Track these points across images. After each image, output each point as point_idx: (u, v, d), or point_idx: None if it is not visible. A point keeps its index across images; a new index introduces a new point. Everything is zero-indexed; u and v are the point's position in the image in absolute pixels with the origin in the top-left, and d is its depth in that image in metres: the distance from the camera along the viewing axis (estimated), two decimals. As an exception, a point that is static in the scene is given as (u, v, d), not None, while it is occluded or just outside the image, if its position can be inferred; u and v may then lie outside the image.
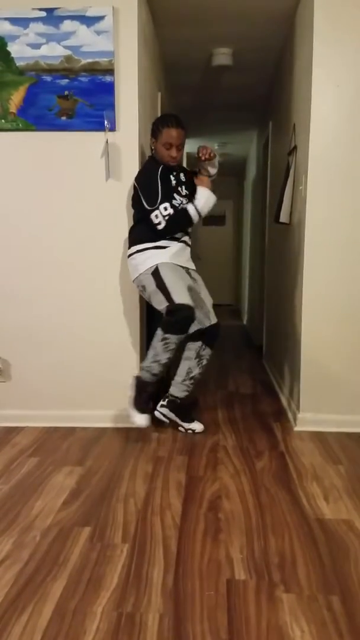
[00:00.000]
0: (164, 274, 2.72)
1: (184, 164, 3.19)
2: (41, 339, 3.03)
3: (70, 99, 2.88)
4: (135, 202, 2.80)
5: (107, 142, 2.88)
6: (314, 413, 2.98)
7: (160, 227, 2.71)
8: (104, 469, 2.47)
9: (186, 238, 2.90)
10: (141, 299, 3.06)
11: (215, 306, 3.04)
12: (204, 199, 2.77)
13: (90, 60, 2.84)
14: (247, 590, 1.60)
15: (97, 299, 3.00)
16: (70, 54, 2.84)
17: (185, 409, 2.99)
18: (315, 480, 2.36)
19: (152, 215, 2.70)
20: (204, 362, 2.95)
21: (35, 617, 1.48)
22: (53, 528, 1.95)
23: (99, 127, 2.88)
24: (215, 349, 2.99)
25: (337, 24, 2.76)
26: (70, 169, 2.93)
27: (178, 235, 2.83)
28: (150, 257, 2.76)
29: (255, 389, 3.97)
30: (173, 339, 2.69)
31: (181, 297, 2.68)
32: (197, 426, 2.96)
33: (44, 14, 2.82)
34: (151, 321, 3.30)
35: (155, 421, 3.09)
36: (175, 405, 2.94)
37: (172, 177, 2.83)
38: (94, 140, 2.89)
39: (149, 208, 2.71)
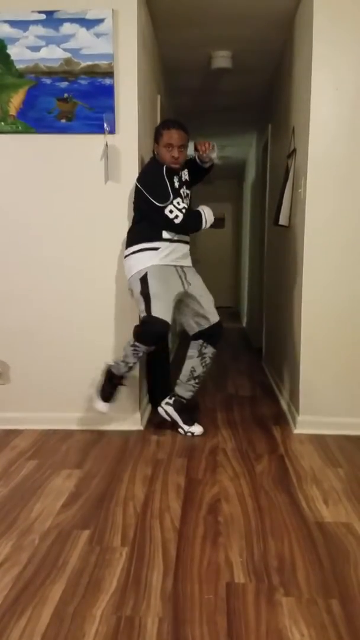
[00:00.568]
0: (151, 282, 2.72)
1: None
2: (40, 341, 3.03)
3: (69, 101, 2.88)
4: (139, 202, 2.79)
5: (106, 144, 2.88)
6: (314, 416, 2.98)
7: (177, 220, 2.72)
8: (103, 472, 2.46)
9: (184, 236, 2.90)
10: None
11: (215, 308, 3.02)
12: (208, 211, 2.83)
13: (89, 62, 2.84)
14: (247, 594, 1.60)
15: (96, 300, 2.99)
16: (69, 57, 2.85)
17: (188, 411, 3.00)
18: (314, 483, 2.36)
19: (167, 211, 2.71)
20: (207, 360, 2.94)
21: (34, 620, 1.48)
22: (52, 531, 1.95)
23: (99, 130, 2.88)
24: (218, 348, 2.98)
25: (337, 27, 2.76)
26: (69, 172, 2.93)
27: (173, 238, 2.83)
28: (141, 260, 2.76)
29: (255, 392, 3.97)
30: (142, 347, 2.74)
31: (159, 310, 2.69)
32: (197, 429, 2.96)
33: (43, 16, 2.82)
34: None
35: (154, 422, 3.10)
36: (181, 406, 2.96)
37: (175, 179, 2.82)
38: (93, 142, 2.89)
39: (161, 205, 2.71)
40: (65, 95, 2.87)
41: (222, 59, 3.92)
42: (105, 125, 2.87)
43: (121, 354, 2.81)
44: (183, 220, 2.73)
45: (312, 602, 1.56)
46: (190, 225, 2.81)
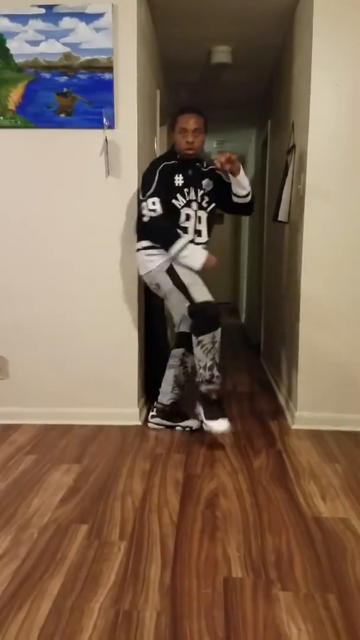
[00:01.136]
0: (181, 272, 2.69)
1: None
2: (39, 336, 3.03)
3: (69, 96, 2.88)
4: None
5: (106, 139, 2.87)
6: (311, 411, 2.99)
7: (144, 219, 2.70)
8: (101, 467, 2.47)
9: (201, 239, 2.83)
10: (140, 296, 3.06)
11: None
12: (188, 252, 2.67)
13: (89, 57, 2.84)
14: (244, 588, 1.61)
15: (95, 295, 2.99)
16: (69, 51, 2.84)
17: (173, 410, 2.98)
18: (312, 478, 2.37)
19: (141, 206, 2.71)
20: (189, 369, 2.93)
21: (32, 614, 1.48)
22: (50, 525, 1.95)
23: (98, 125, 2.87)
24: (214, 329, 2.73)
25: (337, 23, 2.75)
26: (69, 166, 2.92)
27: (191, 236, 2.77)
28: (161, 254, 2.72)
29: (253, 387, 3.97)
30: (207, 338, 2.65)
31: (201, 294, 2.66)
32: (192, 423, 2.94)
33: (43, 10, 2.81)
34: (149, 318, 3.31)
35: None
36: (165, 413, 2.97)
37: (178, 176, 2.75)
38: (92, 137, 2.88)
39: (140, 197, 2.72)
40: (65, 89, 2.87)
41: (221, 54, 3.91)
42: (104, 120, 2.86)
43: (198, 369, 2.71)
44: (147, 224, 2.69)
45: (309, 597, 1.57)
46: (152, 231, 2.72)
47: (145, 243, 2.76)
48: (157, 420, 2.97)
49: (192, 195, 2.78)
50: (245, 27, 3.54)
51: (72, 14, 2.81)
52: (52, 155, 2.92)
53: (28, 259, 2.98)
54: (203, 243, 2.83)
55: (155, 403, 3.01)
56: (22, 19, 2.82)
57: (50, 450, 2.67)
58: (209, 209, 2.85)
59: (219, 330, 2.72)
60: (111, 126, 2.87)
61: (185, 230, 2.77)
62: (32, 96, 2.87)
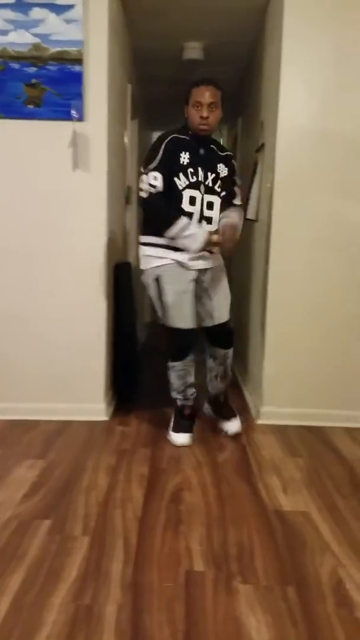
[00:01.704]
0: (165, 288, 2.54)
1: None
2: (3, 331, 2.99)
3: (38, 87, 2.84)
4: None
5: (74, 131, 2.84)
6: (276, 407, 3.03)
7: (142, 194, 2.50)
8: (66, 462, 2.46)
9: (211, 227, 2.59)
10: (109, 289, 3.05)
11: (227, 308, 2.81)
12: (189, 233, 2.46)
13: (59, 48, 2.80)
14: (205, 582, 1.63)
15: (62, 289, 2.96)
16: (39, 42, 2.80)
17: (220, 406, 2.91)
18: (274, 472, 2.41)
19: (140, 179, 2.50)
20: (221, 360, 2.78)
21: (-8, 610, 1.47)
22: (12, 521, 1.94)
23: (67, 117, 2.84)
24: (230, 347, 2.80)
25: (307, 22, 2.78)
26: (36, 158, 2.88)
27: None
28: (155, 257, 2.57)
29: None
30: (178, 365, 2.66)
31: (179, 319, 2.55)
32: (233, 427, 2.85)
33: (13, 0, 2.76)
34: (118, 313, 3.30)
35: (120, 413, 3.10)
36: (210, 400, 2.96)
37: (185, 153, 2.51)
38: (61, 129, 2.85)
39: (142, 170, 2.50)
40: (33, 80, 2.83)
41: (193, 50, 3.91)
42: (73, 112, 2.83)
43: (172, 390, 2.75)
44: (146, 200, 2.48)
45: (268, 589, 1.60)
46: (150, 211, 2.53)
47: (145, 239, 2.61)
48: (207, 409, 2.98)
49: (200, 177, 2.53)
50: (217, 23, 3.54)
51: (42, 5, 2.77)
52: (20, 147, 2.88)
53: (-6, 252, 2.94)
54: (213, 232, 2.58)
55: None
56: (-10, 7, 2.76)
57: (15, 445, 2.64)
58: (222, 195, 2.61)
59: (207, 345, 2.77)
60: (80, 118, 2.85)
61: (189, 215, 2.51)
62: (0, 86, 2.82)
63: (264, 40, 3.40)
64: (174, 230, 2.45)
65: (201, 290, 2.66)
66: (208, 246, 2.53)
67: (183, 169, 2.49)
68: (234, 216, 2.64)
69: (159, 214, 2.51)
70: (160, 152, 2.48)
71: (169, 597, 1.55)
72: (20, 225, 2.93)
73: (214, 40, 3.82)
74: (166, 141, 2.50)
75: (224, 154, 2.69)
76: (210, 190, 2.57)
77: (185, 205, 2.51)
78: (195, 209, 2.53)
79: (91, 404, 3.02)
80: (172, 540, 1.84)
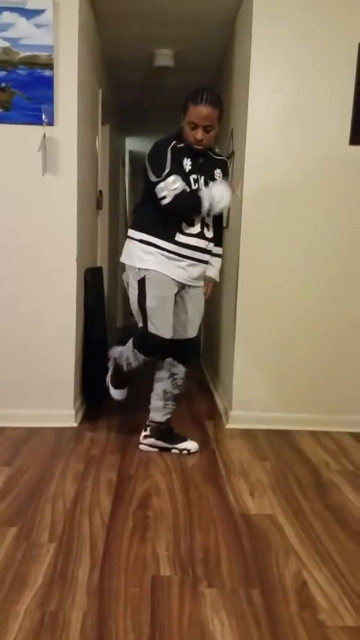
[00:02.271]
0: (149, 293, 2.47)
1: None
2: (-28, 336, 2.96)
3: (7, 91, 2.82)
4: (145, 178, 2.50)
5: (44, 136, 2.84)
6: (245, 411, 3.06)
7: (164, 201, 2.36)
8: (33, 469, 2.44)
9: (200, 255, 2.54)
10: (78, 293, 3.04)
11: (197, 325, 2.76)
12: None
13: (29, 53, 2.79)
14: (171, 586, 1.64)
15: (30, 295, 2.95)
16: (8, 46, 2.78)
17: (169, 430, 2.76)
18: (242, 476, 2.43)
19: (158, 188, 2.37)
20: (179, 381, 2.70)
21: None
22: (-22, 529, 1.92)
23: (37, 121, 2.83)
24: (189, 366, 2.75)
25: (275, 30, 2.82)
26: (6, 162, 2.87)
27: (188, 253, 2.49)
28: (142, 256, 2.48)
29: (191, 388, 4.01)
30: (140, 356, 2.59)
31: (158, 327, 2.48)
32: (190, 445, 2.72)
33: (-19, 2, 2.74)
34: (88, 317, 3.29)
35: (89, 419, 3.08)
36: (160, 432, 2.72)
37: (187, 161, 2.46)
38: (31, 133, 2.84)
39: (155, 179, 2.38)
40: (3, 84, 2.81)
41: (164, 57, 3.94)
42: (43, 116, 2.83)
43: (121, 354, 2.65)
44: (170, 203, 2.36)
45: (233, 592, 1.62)
46: (178, 209, 2.41)
47: (142, 235, 2.51)
48: (151, 441, 2.71)
49: (201, 184, 2.48)
50: (187, 30, 3.58)
51: (12, 9, 2.76)
52: (-11, 151, 2.86)
53: None
54: (209, 239, 2.57)
55: (147, 422, 2.74)
56: None
57: (-19, 451, 2.61)
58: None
59: (170, 361, 2.65)
60: (50, 123, 2.84)
61: (191, 222, 2.47)
62: (-32, 89, 2.80)
63: (234, 48, 3.45)
64: (205, 205, 2.38)
65: (181, 303, 2.61)
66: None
67: (186, 176, 2.45)
68: (214, 270, 2.73)
69: (187, 206, 2.43)
70: (168, 156, 2.40)
71: (135, 602, 1.56)
72: (-12, 229, 2.90)
73: (184, 47, 3.85)
74: (170, 147, 2.43)
75: (219, 158, 2.64)
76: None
77: None
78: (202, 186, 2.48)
79: (60, 410, 3.00)
80: (139, 546, 1.85)
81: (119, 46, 3.86)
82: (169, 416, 2.74)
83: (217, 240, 2.69)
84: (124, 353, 2.65)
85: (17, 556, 1.76)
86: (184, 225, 2.47)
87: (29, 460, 2.53)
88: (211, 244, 2.60)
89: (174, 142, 2.45)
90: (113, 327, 5.24)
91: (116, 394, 2.82)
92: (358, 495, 2.28)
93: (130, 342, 2.61)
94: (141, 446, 2.73)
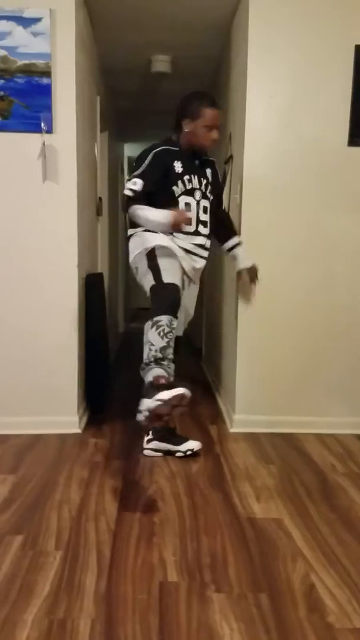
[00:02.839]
0: (160, 255, 2.47)
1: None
2: (-26, 344, 2.96)
3: (5, 99, 2.83)
4: None
5: (43, 144, 2.85)
6: (249, 415, 3.05)
7: (126, 192, 2.50)
8: (38, 477, 2.43)
9: (201, 251, 2.62)
10: (80, 300, 3.04)
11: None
12: (144, 218, 2.47)
13: (26, 61, 2.81)
14: (179, 592, 1.63)
15: (32, 300, 2.95)
16: (5, 55, 2.80)
17: (171, 431, 2.73)
18: (247, 480, 2.42)
19: (131, 181, 2.50)
20: (166, 329, 2.32)
21: None
22: (-16, 537, 1.91)
23: (36, 129, 2.85)
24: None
25: (272, 35, 2.84)
26: (5, 170, 2.88)
27: (188, 246, 2.56)
28: (148, 238, 2.51)
29: (194, 392, 4.00)
30: (165, 320, 2.30)
31: (170, 278, 2.43)
32: (194, 444, 2.70)
33: (-22, 12, 2.76)
34: (89, 323, 3.29)
35: (92, 425, 3.07)
36: (162, 432, 2.66)
37: (177, 163, 2.55)
38: (30, 141, 2.85)
39: (127, 178, 2.57)
40: (1, 93, 2.82)
41: (161, 63, 3.96)
42: (42, 124, 2.84)
43: (149, 351, 2.31)
44: (127, 201, 2.48)
45: (242, 597, 1.61)
46: (128, 212, 2.53)
47: (133, 230, 2.60)
48: (154, 444, 2.67)
49: (195, 184, 2.59)
50: (184, 36, 3.60)
51: (8, 17, 2.78)
52: (-12, 159, 2.87)
53: None
54: (206, 236, 2.65)
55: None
56: None
57: (-15, 460, 2.61)
58: (211, 200, 2.67)
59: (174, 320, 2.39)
60: (49, 130, 2.85)
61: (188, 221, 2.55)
62: (-34, 98, 2.81)
63: (230, 53, 3.47)
64: (153, 220, 2.46)
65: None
66: (183, 221, 2.47)
67: (179, 176, 2.55)
68: (245, 256, 2.86)
69: (136, 212, 2.50)
70: (147, 160, 2.51)
71: (143, 608, 1.55)
72: (-11, 237, 2.90)
73: (181, 53, 3.87)
74: (155, 152, 2.52)
75: (207, 158, 2.73)
76: (204, 196, 2.64)
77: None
78: (191, 214, 2.57)
79: (63, 416, 3.00)
80: (145, 552, 1.84)
81: (116, 53, 3.88)
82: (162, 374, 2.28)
83: (230, 230, 2.86)
84: (147, 343, 2.36)
85: (24, 564, 1.75)
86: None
87: (34, 468, 2.52)
88: (208, 242, 2.67)
89: (163, 147, 2.55)
90: (114, 333, 5.24)
91: (181, 390, 2.18)
92: (364, 497, 2.27)
93: (147, 324, 2.41)
94: (145, 451, 2.70)
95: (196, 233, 2.60)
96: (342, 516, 2.10)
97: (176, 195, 2.55)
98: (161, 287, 2.42)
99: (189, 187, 2.57)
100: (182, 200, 2.57)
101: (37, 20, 2.78)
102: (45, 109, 2.85)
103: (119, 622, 1.49)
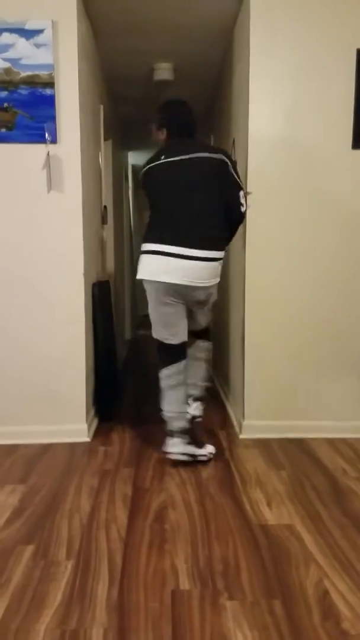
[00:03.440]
0: (148, 295, 2.59)
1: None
2: (-17, 354, 2.97)
3: (9, 111, 2.85)
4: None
5: (48, 154, 2.86)
6: (258, 420, 3.04)
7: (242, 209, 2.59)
8: (48, 486, 2.43)
9: (199, 252, 2.46)
10: (87, 308, 3.05)
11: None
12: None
13: (30, 72, 2.83)
14: (192, 600, 1.62)
15: (39, 309, 2.96)
16: (9, 66, 2.82)
17: (192, 432, 2.74)
18: (258, 486, 2.41)
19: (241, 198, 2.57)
20: (204, 349, 2.85)
21: (-25, 640, 1.45)
22: (-5, 548, 1.91)
23: (40, 139, 2.86)
24: (207, 340, 2.88)
25: (273, 40, 2.84)
26: (11, 181, 2.89)
27: (181, 250, 2.46)
28: (140, 264, 2.57)
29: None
30: (170, 370, 2.62)
31: (158, 332, 2.61)
32: (212, 448, 2.73)
33: (-19, 25, 2.79)
34: (97, 331, 3.29)
35: (102, 433, 3.07)
36: (186, 432, 2.69)
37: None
38: (35, 152, 2.87)
39: (244, 192, 2.62)
40: (5, 104, 2.84)
41: (163, 71, 3.98)
42: (46, 134, 2.86)
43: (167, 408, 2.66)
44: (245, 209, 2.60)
45: (255, 604, 1.59)
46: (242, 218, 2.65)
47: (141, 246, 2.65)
48: (180, 448, 2.64)
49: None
50: (186, 44, 3.62)
51: (11, 30, 2.80)
52: (-7, 170, 2.89)
53: (-30, 275, 2.93)
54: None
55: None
56: None
57: (-4, 470, 2.61)
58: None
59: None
60: (54, 141, 2.87)
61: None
62: (-29, 110, 2.83)
63: (232, 58, 3.48)
64: None
65: (193, 305, 2.62)
66: None
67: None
68: None
69: None
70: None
71: (156, 617, 1.54)
72: (-5, 247, 2.92)
73: (183, 60, 3.89)
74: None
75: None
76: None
77: None
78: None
79: (72, 425, 3.00)
80: (157, 560, 1.83)
81: (119, 62, 3.91)
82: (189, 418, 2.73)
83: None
84: (165, 400, 2.66)
85: (35, 574, 1.75)
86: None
87: (43, 477, 2.52)
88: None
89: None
90: (121, 340, 5.25)
91: (207, 450, 2.66)
92: (376, 501, 2.25)
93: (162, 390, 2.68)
94: (174, 457, 2.64)
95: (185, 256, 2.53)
96: (355, 521, 2.08)
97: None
98: (159, 345, 2.64)
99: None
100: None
101: (39, 31, 2.80)
102: (49, 119, 2.86)
103: (132, 631, 1.48)
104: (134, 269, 2.77)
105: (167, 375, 2.63)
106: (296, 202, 2.94)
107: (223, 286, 3.98)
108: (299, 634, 1.46)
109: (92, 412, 3.23)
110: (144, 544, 1.93)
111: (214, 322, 2.83)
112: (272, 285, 2.99)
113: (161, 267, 2.47)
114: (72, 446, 2.92)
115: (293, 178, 2.93)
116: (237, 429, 3.17)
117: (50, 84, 2.84)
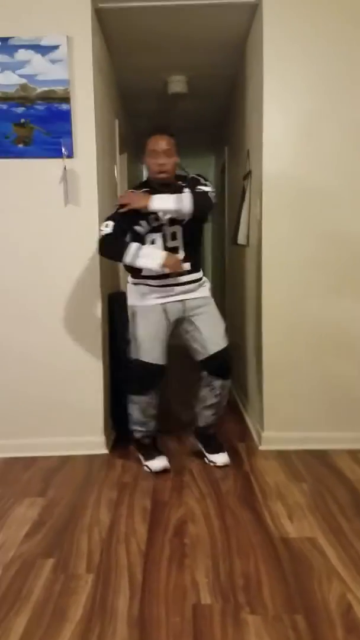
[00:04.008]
0: (138, 323, 2.68)
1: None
2: None
3: (26, 126, 2.89)
4: None
5: (64, 168, 2.89)
6: (278, 432, 3.01)
7: (101, 233, 2.58)
8: (67, 499, 2.43)
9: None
10: (104, 319, 3.06)
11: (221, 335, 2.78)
12: (143, 253, 2.50)
13: (45, 88, 2.87)
14: (213, 614, 1.60)
15: (56, 322, 2.97)
16: (25, 83, 2.86)
17: (210, 436, 2.88)
18: (279, 499, 2.38)
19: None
20: (217, 391, 2.70)
21: (-4, 655, 1.44)
22: (15, 561, 1.91)
23: (57, 154, 2.90)
24: (228, 378, 2.72)
25: (287, 51, 2.84)
26: (27, 195, 2.92)
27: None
28: (131, 293, 2.75)
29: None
30: (135, 399, 2.71)
31: (146, 353, 2.64)
32: (221, 460, 2.79)
33: (-2, 43, 2.84)
34: (114, 343, 3.30)
35: (120, 445, 3.07)
36: (197, 432, 2.91)
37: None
38: (51, 167, 2.90)
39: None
40: (22, 120, 2.89)
41: (177, 84, 4.01)
42: (63, 149, 2.89)
43: (130, 421, 2.81)
44: (100, 241, 2.57)
45: (277, 618, 1.57)
46: (104, 251, 2.59)
47: (129, 278, 2.79)
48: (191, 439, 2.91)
49: (163, 219, 2.59)
50: (199, 56, 3.64)
51: (27, 46, 2.85)
52: (10, 185, 2.92)
53: (-12, 289, 2.96)
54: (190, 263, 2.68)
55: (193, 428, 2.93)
56: (-23, 51, 2.84)
57: (14, 484, 2.61)
58: (184, 222, 2.60)
59: (205, 374, 2.71)
60: (70, 155, 2.90)
61: (175, 250, 2.63)
62: (-11, 127, 2.88)
63: (245, 72, 3.49)
64: (128, 255, 2.48)
65: (188, 324, 2.71)
66: (173, 265, 2.52)
67: (144, 215, 2.55)
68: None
69: (110, 247, 2.57)
70: (118, 205, 2.63)
71: (177, 631, 1.52)
72: (14, 261, 2.95)
73: (197, 73, 3.92)
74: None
75: (184, 183, 2.71)
76: (172, 222, 2.61)
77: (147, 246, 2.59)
78: (157, 247, 2.61)
79: (90, 437, 3.00)
80: (177, 574, 1.81)
81: (133, 76, 3.95)
82: (206, 424, 2.84)
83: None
84: (131, 418, 2.79)
85: (56, 588, 1.74)
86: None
87: (62, 490, 2.52)
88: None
89: (131, 190, 2.70)
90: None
91: (158, 464, 2.72)
92: None
93: (129, 407, 2.78)
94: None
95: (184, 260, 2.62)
96: (378, 534, 2.05)
97: (142, 234, 2.60)
98: (135, 367, 2.69)
99: (154, 224, 2.59)
100: (149, 238, 2.62)
101: (54, 47, 2.84)
102: (66, 134, 2.90)
103: (153, 647, 1.46)
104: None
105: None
106: (312, 212, 2.93)
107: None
108: (324, 650, 1.43)
109: (110, 425, 3.23)
110: (164, 558, 1.92)
111: (229, 331, 2.81)
112: (289, 294, 2.97)
113: None
114: (91, 458, 2.91)
115: (309, 189, 2.92)
116: (256, 440, 3.15)
117: (66, 99, 2.87)
